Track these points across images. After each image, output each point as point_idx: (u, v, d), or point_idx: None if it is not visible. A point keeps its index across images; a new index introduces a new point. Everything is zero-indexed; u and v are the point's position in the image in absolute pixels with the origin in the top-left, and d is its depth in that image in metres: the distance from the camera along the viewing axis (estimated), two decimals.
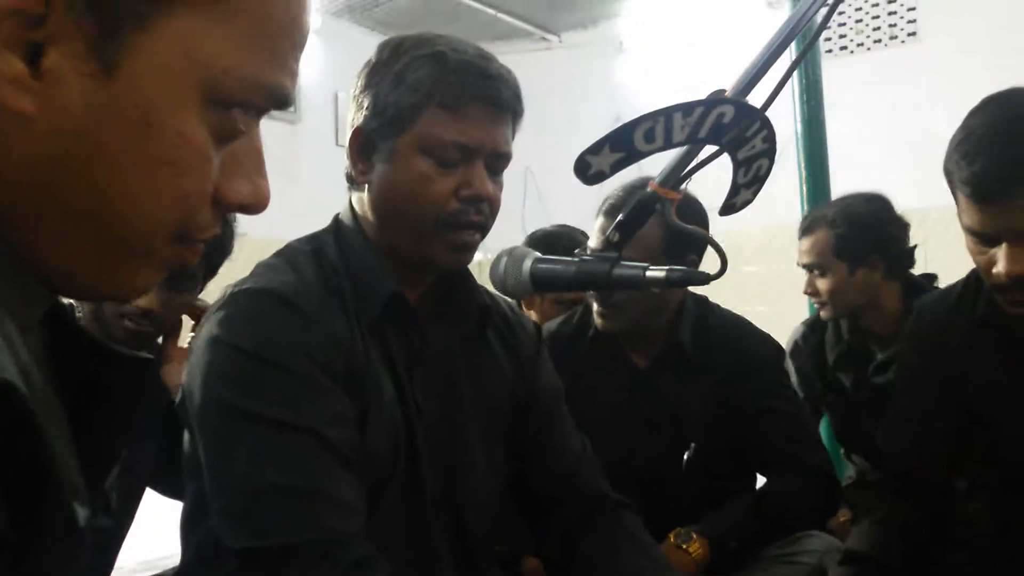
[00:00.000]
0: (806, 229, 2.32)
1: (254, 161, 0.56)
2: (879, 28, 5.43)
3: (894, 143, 4.69)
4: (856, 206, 2.27)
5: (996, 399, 1.53)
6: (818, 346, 2.42)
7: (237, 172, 0.55)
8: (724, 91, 1.03)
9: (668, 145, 1.00)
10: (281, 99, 0.54)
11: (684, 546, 1.59)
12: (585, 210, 4.72)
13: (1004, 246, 1.36)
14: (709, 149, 1.06)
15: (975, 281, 1.55)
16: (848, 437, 2.48)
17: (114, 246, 0.52)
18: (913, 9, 5.33)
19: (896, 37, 5.39)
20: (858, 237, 2.22)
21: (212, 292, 1.29)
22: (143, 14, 0.48)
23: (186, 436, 1.25)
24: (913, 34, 5.34)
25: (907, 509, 1.58)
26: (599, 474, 1.46)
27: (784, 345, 2.32)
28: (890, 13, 5.38)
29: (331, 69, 5.85)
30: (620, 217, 1.07)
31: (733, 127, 1.02)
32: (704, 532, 1.63)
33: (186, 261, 0.56)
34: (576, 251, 1.13)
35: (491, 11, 6.21)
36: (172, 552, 2.16)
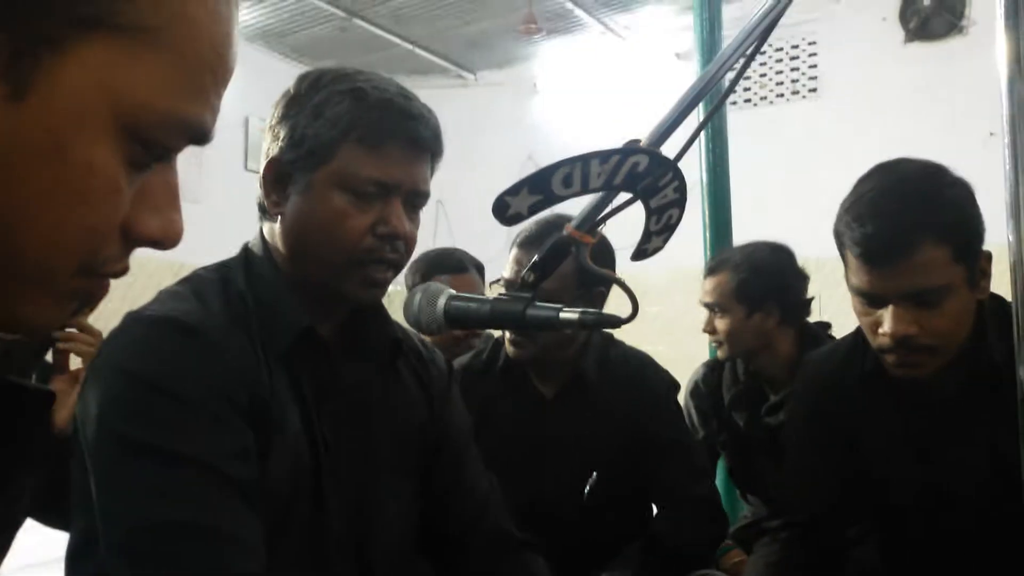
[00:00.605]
0: (712, 270, 2.41)
1: (167, 195, 0.54)
2: (782, 83, 5.65)
3: (794, 193, 4.87)
4: (761, 253, 2.36)
5: (883, 450, 1.59)
6: (716, 386, 2.50)
7: (148, 205, 0.53)
8: (639, 141, 1.06)
9: (585, 190, 1.02)
10: (199, 135, 0.53)
11: None
12: (494, 245, 4.76)
13: (890, 308, 1.41)
14: (623, 196, 1.08)
15: (863, 337, 1.59)
16: (742, 477, 2.55)
17: (14, 277, 0.49)
18: (815, 67, 5.57)
19: (798, 92, 5.62)
20: (758, 283, 2.31)
21: (110, 316, 1.25)
22: (57, 38, 0.46)
23: (75, 466, 1.20)
24: (814, 90, 5.58)
25: (802, 553, 1.62)
26: (505, 513, 1.46)
27: (684, 383, 2.40)
28: (792, 69, 5.61)
29: (243, 93, 5.74)
30: (536, 258, 1.09)
31: (647, 176, 1.04)
32: None
33: (92, 295, 0.54)
34: (492, 283, 1.14)
35: (408, 45, 6.23)
36: None
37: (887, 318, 1.42)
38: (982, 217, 1.46)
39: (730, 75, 1.11)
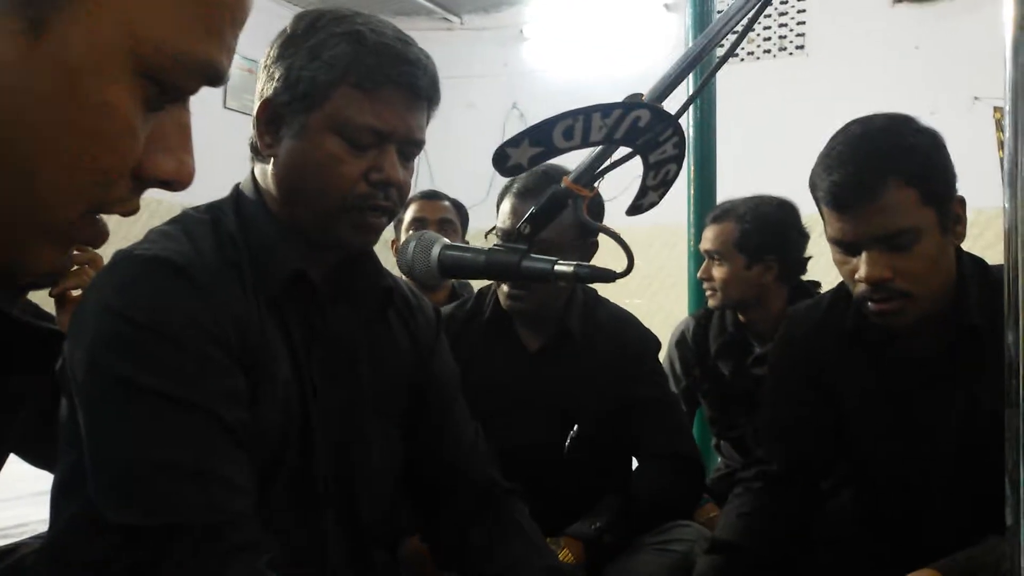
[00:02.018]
0: (716, 218, 2.44)
1: (180, 136, 0.53)
2: (770, 39, 5.62)
3: (779, 150, 4.88)
4: (767, 207, 2.39)
5: (860, 407, 1.62)
6: (703, 337, 2.54)
7: (161, 146, 0.52)
8: (641, 95, 1.05)
9: (585, 144, 1.02)
10: (215, 76, 0.52)
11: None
12: (476, 192, 4.74)
13: (864, 254, 1.45)
14: (622, 150, 1.08)
15: (845, 293, 1.63)
16: (722, 426, 2.60)
17: (20, 221, 0.49)
18: (803, 23, 5.54)
19: (785, 49, 5.60)
20: (761, 236, 2.34)
21: (104, 254, 1.23)
22: None
23: (64, 403, 1.19)
24: (801, 47, 5.56)
25: (775, 504, 1.66)
26: (491, 461, 1.48)
27: (663, 338, 2.43)
28: (781, 25, 5.58)
29: None
30: (532, 210, 1.08)
31: (648, 131, 1.04)
32: (575, 534, 1.69)
33: (99, 238, 0.54)
34: (487, 232, 1.14)
35: None
36: (28, 520, 2.07)
37: (862, 264, 1.46)
38: (951, 164, 1.50)
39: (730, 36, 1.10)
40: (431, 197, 2.90)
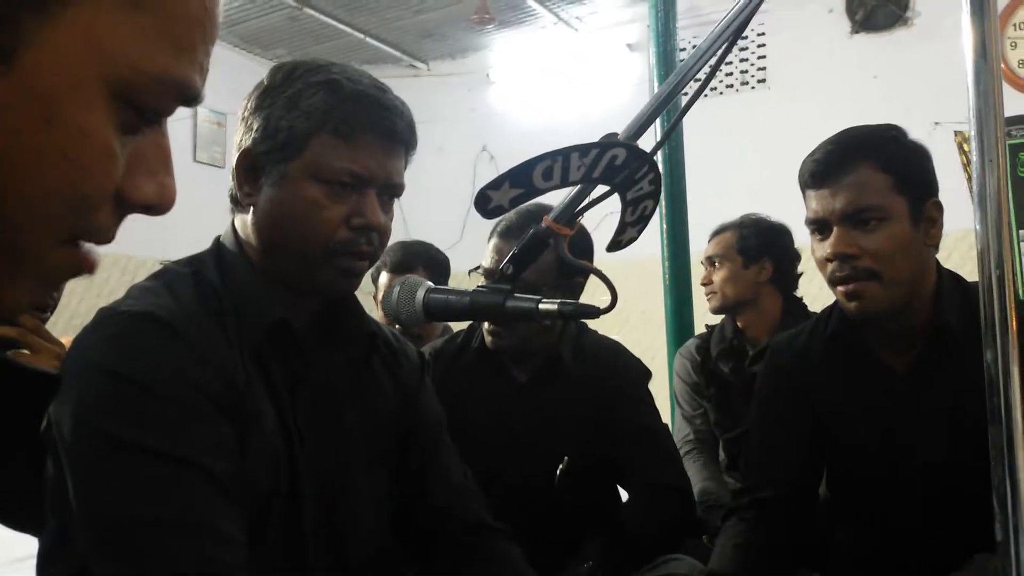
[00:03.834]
0: (717, 231, 2.74)
1: (159, 158, 0.53)
2: (731, 74, 5.72)
3: (747, 180, 4.94)
4: (763, 219, 2.72)
5: (844, 423, 1.64)
6: (705, 350, 2.76)
7: (141, 170, 0.51)
8: (616, 135, 1.07)
9: (565, 183, 1.03)
10: (190, 96, 0.52)
11: None
12: (449, 235, 4.76)
13: (834, 230, 1.53)
14: (601, 188, 1.10)
15: (828, 309, 1.70)
16: (724, 427, 2.69)
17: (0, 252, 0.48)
18: (763, 57, 5.65)
19: (747, 83, 5.70)
20: (757, 239, 2.64)
21: (80, 314, 1.23)
22: (41, 1, 0.44)
23: (49, 464, 1.18)
24: (763, 80, 5.66)
25: (769, 532, 1.66)
26: (480, 502, 1.47)
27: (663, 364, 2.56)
28: (742, 60, 5.68)
29: None
30: (514, 251, 1.10)
31: (624, 169, 1.06)
32: (569, 574, 1.67)
33: (81, 268, 0.52)
34: (470, 271, 1.15)
35: (359, 35, 6.18)
36: None
37: (829, 240, 1.53)
38: (933, 173, 1.58)
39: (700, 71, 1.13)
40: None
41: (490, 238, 1.84)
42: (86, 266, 0.52)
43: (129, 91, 0.48)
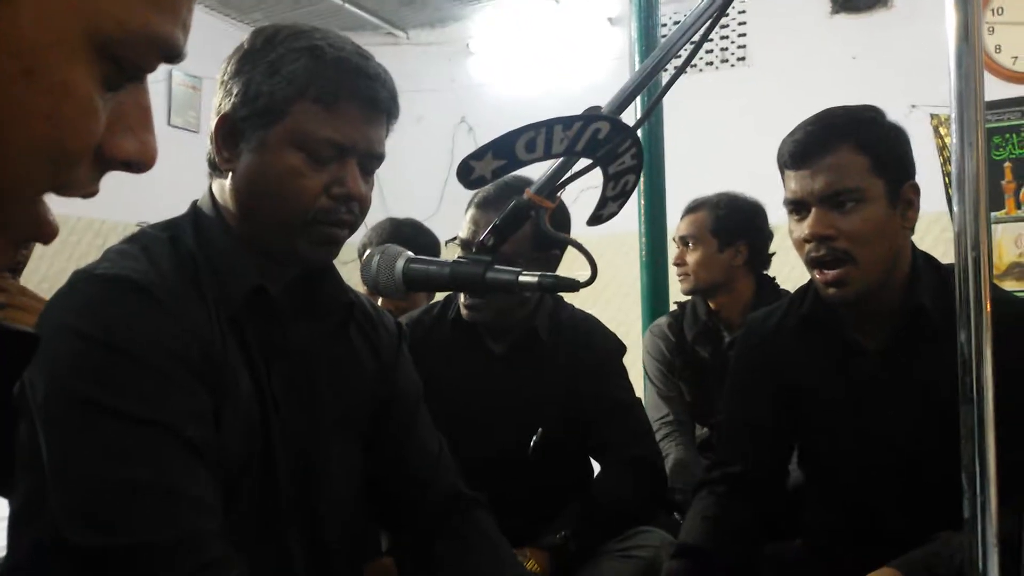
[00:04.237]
0: (691, 209, 2.67)
1: (140, 115, 0.52)
2: (712, 51, 5.71)
3: (725, 158, 4.95)
4: (739, 199, 2.64)
5: (818, 401, 1.66)
6: (678, 330, 2.71)
7: (122, 127, 0.51)
8: (599, 108, 1.07)
9: (547, 155, 1.03)
10: (172, 52, 0.51)
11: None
12: (426, 205, 4.74)
13: (811, 211, 1.54)
14: (583, 162, 1.10)
15: (803, 288, 1.71)
16: (702, 413, 2.68)
17: None
18: (744, 35, 5.64)
19: (727, 61, 5.69)
20: (734, 221, 2.57)
21: (50, 277, 1.22)
22: None
23: (22, 427, 1.17)
24: (743, 59, 5.66)
25: (739, 506, 1.68)
26: (455, 473, 1.48)
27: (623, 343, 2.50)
28: (722, 38, 5.67)
29: None
30: (495, 222, 1.10)
31: (607, 142, 1.06)
32: (540, 544, 1.70)
33: (41, 234, 0.51)
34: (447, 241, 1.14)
35: (338, 1, 6.10)
36: None
37: (807, 221, 1.54)
38: (911, 155, 1.59)
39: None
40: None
41: (467, 209, 1.84)
42: (45, 231, 0.51)
43: (112, 46, 0.47)
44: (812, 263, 1.56)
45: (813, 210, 1.54)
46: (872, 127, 1.56)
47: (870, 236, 1.52)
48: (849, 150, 1.52)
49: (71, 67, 0.46)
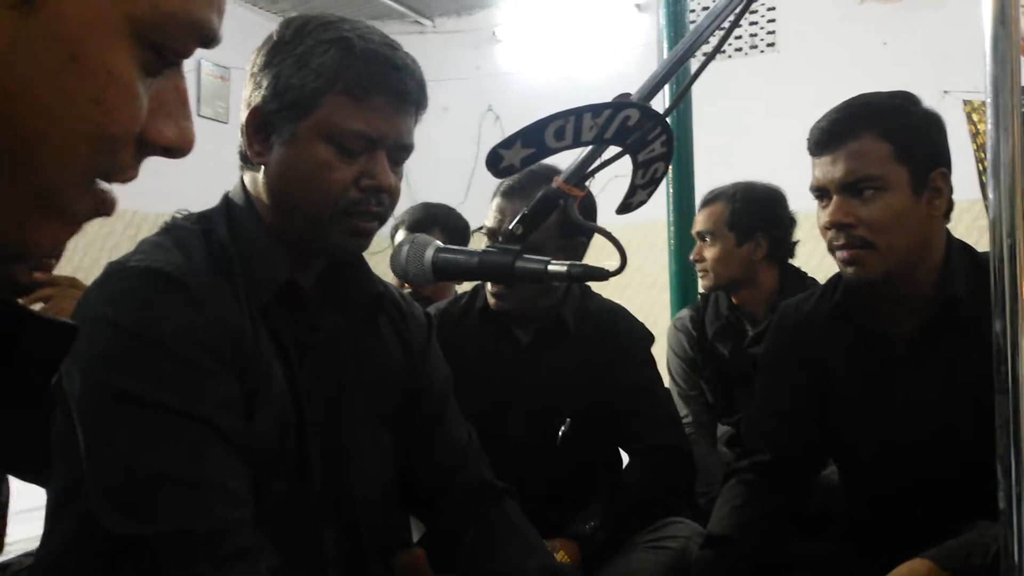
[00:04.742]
0: (707, 201, 2.56)
1: (178, 102, 0.53)
2: (740, 37, 5.67)
3: (754, 146, 4.92)
4: (756, 188, 2.52)
5: (848, 389, 1.64)
6: (699, 324, 2.63)
7: (161, 113, 0.52)
8: (630, 95, 1.06)
9: (576, 143, 1.03)
10: (209, 36, 0.52)
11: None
12: (453, 194, 4.75)
13: (833, 198, 1.53)
14: (612, 150, 1.09)
15: (835, 277, 1.69)
16: (722, 411, 2.64)
17: (24, 195, 0.48)
18: (773, 21, 5.59)
19: (756, 47, 5.64)
20: (751, 213, 2.46)
21: (83, 269, 1.23)
22: None
23: (58, 417, 1.19)
24: (772, 44, 5.61)
25: (768, 495, 1.67)
26: (484, 463, 1.48)
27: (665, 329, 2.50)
28: (751, 24, 5.62)
29: None
30: (524, 211, 1.09)
31: (637, 130, 1.06)
32: (570, 535, 1.70)
33: (101, 208, 0.53)
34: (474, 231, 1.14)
35: None
36: (16, 538, 2.05)
37: (828, 209, 1.54)
38: (944, 143, 1.57)
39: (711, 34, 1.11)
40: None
41: (493, 198, 1.84)
42: (106, 206, 0.52)
43: (151, 31, 0.48)
44: (833, 249, 1.56)
45: (834, 197, 1.53)
46: (898, 114, 1.54)
47: (890, 224, 1.50)
48: (871, 137, 1.51)
49: (114, 53, 0.47)
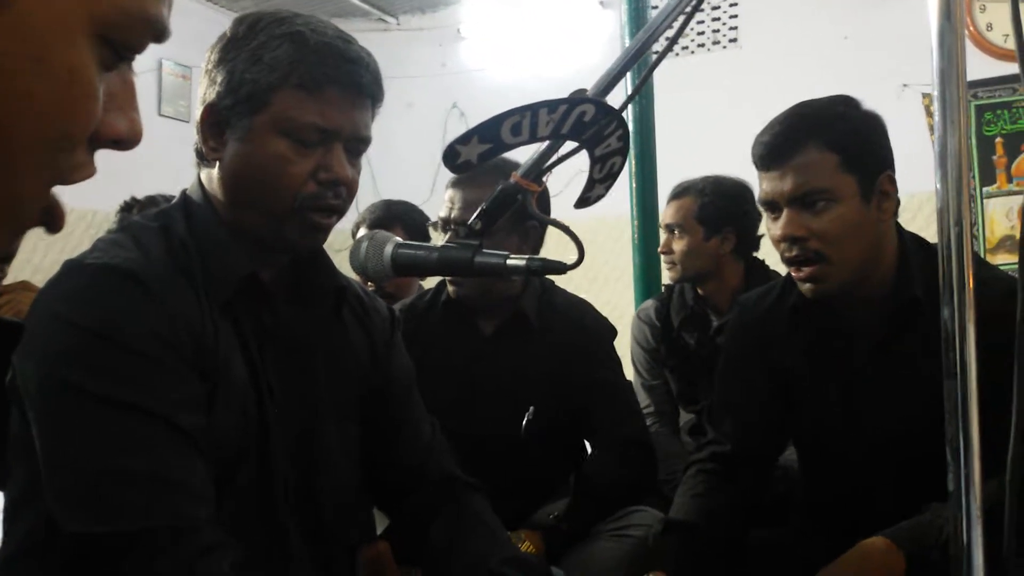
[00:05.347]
0: (677, 194, 2.59)
1: (127, 94, 0.53)
2: (703, 33, 5.70)
3: (717, 141, 4.95)
4: (726, 183, 2.55)
5: (808, 384, 1.67)
6: (665, 315, 2.65)
7: (112, 106, 0.52)
8: (585, 91, 1.07)
9: (533, 139, 1.03)
10: (164, 31, 0.52)
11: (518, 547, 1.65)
12: (418, 191, 4.74)
13: (784, 212, 1.54)
14: (569, 145, 1.10)
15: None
16: (687, 400, 2.66)
17: None
18: (735, 17, 5.63)
19: (719, 43, 5.68)
20: (720, 208, 2.49)
21: (43, 269, 1.22)
22: None
23: (14, 417, 1.17)
24: (734, 40, 5.65)
25: (728, 484, 1.69)
26: (449, 457, 1.49)
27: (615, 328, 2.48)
28: (714, 19, 5.66)
29: None
30: (483, 206, 1.10)
31: (593, 125, 1.06)
32: (534, 525, 1.71)
33: (52, 221, 0.52)
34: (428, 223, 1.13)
35: None
36: None
37: (780, 222, 1.54)
38: (886, 144, 1.58)
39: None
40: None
41: (446, 189, 1.86)
42: (56, 219, 0.52)
43: (111, 30, 0.49)
44: (788, 262, 1.57)
45: (784, 211, 1.54)
46: (841, 123, 1.54)
47: (843, 235, 1.51)
48: (816, 149, 1.51)
49: (76, 52, 0.47)
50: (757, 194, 1.59)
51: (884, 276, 1.58)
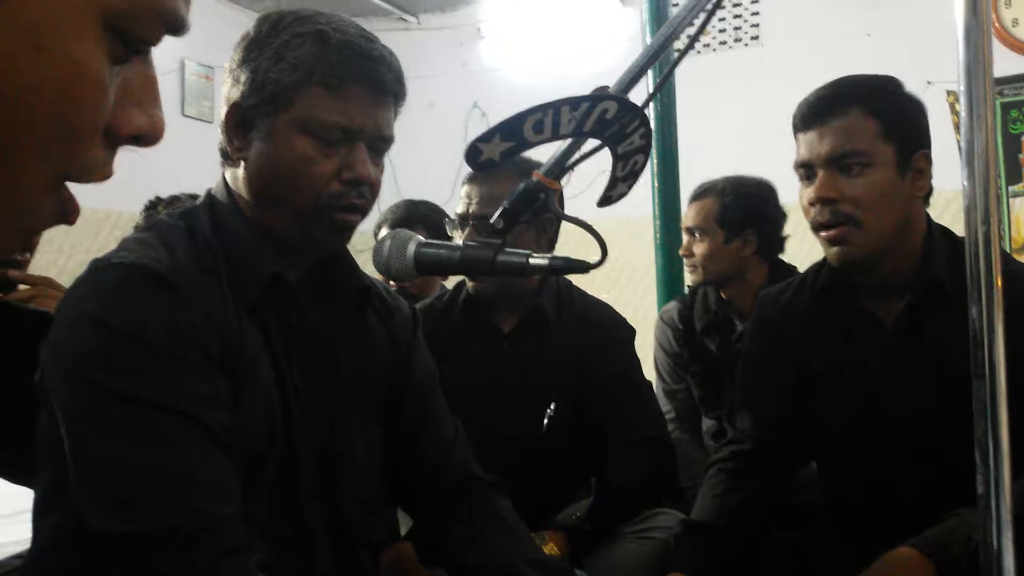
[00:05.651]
0: (697, 196, 2.55)
1: (147, 89, 0.52)
2: (724, 31, 5.67)
3: (739, 138, 4.93)
4: (747, 183, 2.50)
5: (829, 377, 1.65)
6: (687, 318, 2.62)
7: (130, 102, 0.51)
8: (607, 88, 1.07)
9: (555, 136, 1.03)
10: (176, 23, 0.51)
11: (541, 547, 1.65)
12: (440, 191, 4.74)
13: (818, 174, 1.53)
14: (591, 142, 1.09)
15: (818, 263, 1.70)
16: (709, 406, 2.63)
17: None
18: (756, 14, 5.60)
19: (740, 40, 5.65)
20: (741, 210, 2.44)
21: (68, 271, 1.23)
22: None
23: (43, 416, 1.19)
24: (756, 38, 5.62)
25: (748, 484, 1.68)
26: (470, 457, 1.49)
27: (636, 328, 2.47)
28: (735, 16, 5.63)
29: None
30: (505, 205, 1.10)
31: (615, 122, 1.06)
32: (557, 526, 1.70)
33: (67, 211, 0.51)
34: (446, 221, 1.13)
35: None
36: (7, 540, 2.05)
37: (814, 185, 1.54)
38: (927, 126, 1.58)
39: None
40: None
41: (463, 185, 1.87)
42: (69, 214, 0.51)
43: (120, 20, 0.47)
44: (817, 227, 1.56)
45: (819, 173, 1.53)
46: (885, 94, 1.55)
47: (875, 202, 1.51)
48: (859, 113, 1.52)
49: (81, 42, 0.46)
50: (796, 160, 1.58)
51: (908, 258, 1.57)
